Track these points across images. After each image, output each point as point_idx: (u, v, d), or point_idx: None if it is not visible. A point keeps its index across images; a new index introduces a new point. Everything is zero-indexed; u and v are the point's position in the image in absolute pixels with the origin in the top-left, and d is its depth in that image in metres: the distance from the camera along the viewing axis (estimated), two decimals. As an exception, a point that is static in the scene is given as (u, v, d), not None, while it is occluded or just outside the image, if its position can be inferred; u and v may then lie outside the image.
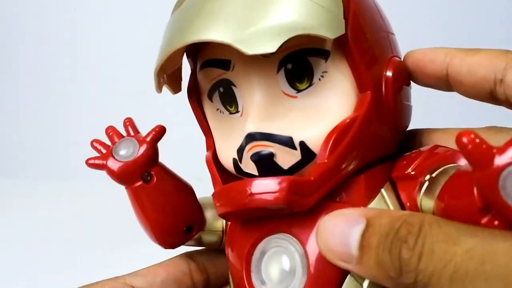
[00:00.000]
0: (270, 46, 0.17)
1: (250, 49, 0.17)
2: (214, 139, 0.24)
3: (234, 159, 0.22)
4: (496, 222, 0.15)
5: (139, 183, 0.24)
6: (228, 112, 0.22)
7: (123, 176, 0.24)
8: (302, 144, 0.20)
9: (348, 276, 0.19)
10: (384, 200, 0.20)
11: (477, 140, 0.14)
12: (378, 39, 0.21)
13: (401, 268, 0.16)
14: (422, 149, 0.22)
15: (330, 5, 0.19)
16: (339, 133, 0.19)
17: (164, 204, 0.24)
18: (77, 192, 0.82)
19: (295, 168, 0.20)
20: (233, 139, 0.22)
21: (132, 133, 0.25)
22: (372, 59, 0.21)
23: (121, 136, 0.25)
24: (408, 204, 0.20)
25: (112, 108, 0.87)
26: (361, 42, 0.20)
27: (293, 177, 0.19)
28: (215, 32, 0.18)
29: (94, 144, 0.25)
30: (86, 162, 0.24)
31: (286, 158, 0.20)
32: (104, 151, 0.24)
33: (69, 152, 0.91)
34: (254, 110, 0.20)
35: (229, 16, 0.18)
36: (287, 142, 0.20)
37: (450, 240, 0.15)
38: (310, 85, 0.20)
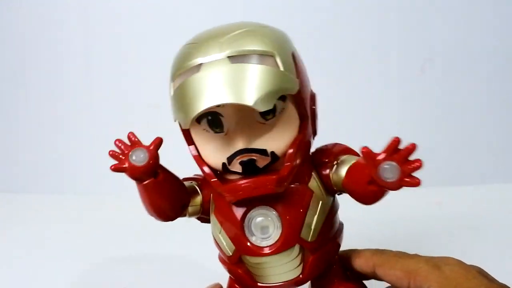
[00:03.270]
0: (269, 105, 0.30)
1: (259, 108, 0.29)
2: (200, 148, 0.35)
3: (223, 163, 0.33)
4: (374, 188, 0.31)
5: (151, 179, 0.34)
6: (213, 132, 0.34)
7: (140, 176, 0.33)
8: (272, 153, 0.33)
9: (306, 218, 0.34)
10: (315, 179, 0.35)
11: (368, 150, 0.30)
12: (308, 83, 0.35)
13: None
14: (328, 145, 0.37)
15: (291, 72, 0.32)
16: (296, 146, 0.33)
17: (168, 192, 0.35)
18: (77, 205, 0.84)
19: (266, 167, 0.33)
20: (222, 149, 0.33)
21: (137, 143, 0.34)
22: (307, 99, 0.34)
23: (128, 145, 0.34)
24: (324, 179, 0.35)
25: (119, 123, 0.90)
26: (304, 92, 0.34)
27: (276, 176, 0.32)
28: (239, 96, 0.29)
29: (117, 143, 0.34)
30: (111, 167, 0.33)
31: (262, 161, 0.33)
32: (121, 156, 0.34)
33: (71, 166, 0.94)
34: (240, 133, 0.33)
35: (240, 87, 0.29)
36: (263, 152, 0.33)
37: None
38: (273, 116, 0.33)
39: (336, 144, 0.37)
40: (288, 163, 0.33)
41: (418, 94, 0.89)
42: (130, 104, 0.91)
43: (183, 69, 0.32)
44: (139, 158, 0.33)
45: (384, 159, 0.29)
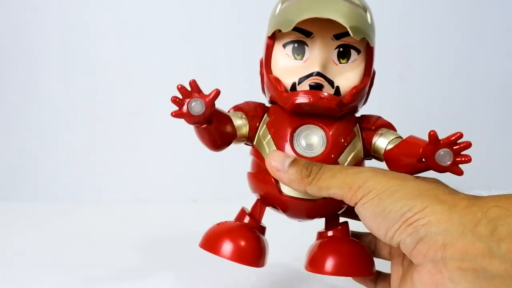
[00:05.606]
0: (361, 36, 0.37)
1: (356, 35, 0.37)
2: (275, 67, 0.41)
3: (293, 82, 0.40)
4: (421, 165, 0.37)
5: (205, 125, 0.38)
6: (293, 58, 0.40)
7: (197, 123, 0.38)
8: (337, 87, 0.39)
9: (346, 150, 0.40)
10: (358, 131, 0.41)
11: (436, 135, 0.35)
12: None
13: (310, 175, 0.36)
14: (374, 115, 0.43)
15: (374, 27, 0.40)
16: (357, 89, 0.40)
17: (220, 134, 0.40)
18: (65, 214, 0.82)
19: None
20: (297, 71, 0.39)
21: (197, 90, 0.38)
22: (373, 62, 0.41)
23: (188, 92, 0.37)
24: (366, 141, 0.41)
25: (104, 130, 0.89)
26: (373, 54, 0.41)
27: (339, 97, 0.39)
28: (344, 19, 0.36)
29: (179, 87, 0.37)
30: (171, 114, 0.37)
31: (327, 90, 0.39)
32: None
33: (56, 173, 0.91)
34: (319, 62, 0.39)
35: (347, 15, 0.37)
36: (331, 83, 0.39)
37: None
38: (346, 62, 0.40)
39: (380, 116, 0.43)
40: (350, 95, 0.39)
41: (398, 101, 0.89)
42: (110, 112, 0.89)
43: None
44: (196, 107, 0.37)
45: (445, 146, 0.35)
